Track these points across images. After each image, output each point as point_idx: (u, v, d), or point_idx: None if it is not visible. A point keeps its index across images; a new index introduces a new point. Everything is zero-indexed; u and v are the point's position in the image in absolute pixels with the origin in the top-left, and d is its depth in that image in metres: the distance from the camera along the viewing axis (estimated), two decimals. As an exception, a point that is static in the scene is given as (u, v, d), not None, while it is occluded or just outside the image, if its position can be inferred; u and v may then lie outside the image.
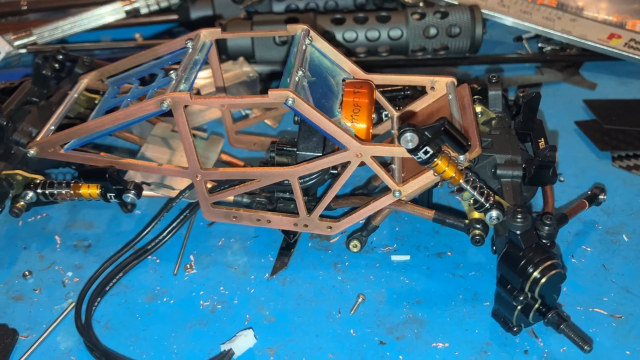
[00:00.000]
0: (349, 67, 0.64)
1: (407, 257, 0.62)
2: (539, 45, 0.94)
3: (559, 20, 0.89)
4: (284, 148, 0.61)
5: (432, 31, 0.85)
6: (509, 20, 0.90)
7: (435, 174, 0.53)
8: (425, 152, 0.50)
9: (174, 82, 0.56)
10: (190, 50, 0.61)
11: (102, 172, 0.59)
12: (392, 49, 0.86)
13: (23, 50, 0.87)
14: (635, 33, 0.88)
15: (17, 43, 0.87)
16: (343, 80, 0.62)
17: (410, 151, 0.50)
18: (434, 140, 0.49)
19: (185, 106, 0.54)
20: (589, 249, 0.63)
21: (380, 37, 0.85)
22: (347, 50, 0.85)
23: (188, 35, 0.63)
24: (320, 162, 0.56)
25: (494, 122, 0.64)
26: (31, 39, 0.88)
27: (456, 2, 0.89)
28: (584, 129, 0.78)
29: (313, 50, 0.62)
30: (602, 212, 0.66)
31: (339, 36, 0.85)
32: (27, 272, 0.61)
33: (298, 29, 0.62)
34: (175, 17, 0.95)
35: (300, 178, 0.58)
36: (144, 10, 0.92)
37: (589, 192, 0.65)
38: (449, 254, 0.63)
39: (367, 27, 0.85)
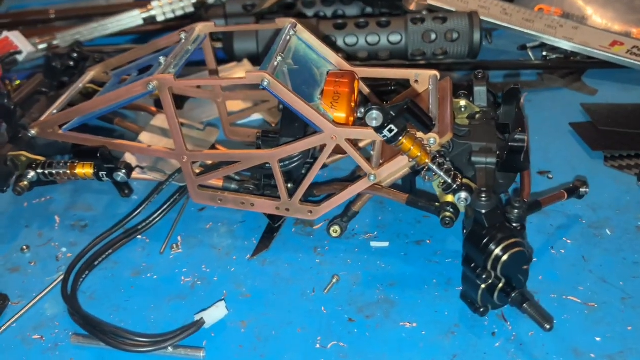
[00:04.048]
0: (335, 60, 0.66)
1: (386, 244, 0.63)
2: (544, 54, 0.95)
3: (561, 27, 0.90)
4: (269, 135, 0.64)
5: (432, 36, 0.87)
6: (511, 28, 0.92)
7: (402, 153, 0.54)
8: (390, 130, 0.52)
9: (162, 66, 0.59)
10: (184, 40, 0.65)
11: (95, 151, 0.63)
12: (392, 54, 0.88)
13: (44, 53, 0.93)
14: (638, 41, 0.88)
15: (41, 46, 0.93)
16: (328, 71, 0.65)
17: (375, 129, 0.52)
18: (398, 118, 0.51)
19: (170, 88, 0.58)
20: (569, 241, 0.63)
21: (380, 41, 0.87)
22: (348, 55, 0.88)
23: (184, 29, 0.67)
24: (298, 145, 0.59)
25: (477, 115, 0.65)
26: (54, 42, 0.94)
27: (454, 10, 0.91)
28: (578, 130, 0.78)
29: (300, 42, 0.65)
30: (587, 207, 0.66)
31: (340, 41, 0.88)
32: (24, 247, 0.65)
33: (286, 22, 0.65)
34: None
35: (281, 162, 0.60)
36: (160, 18, 0.98)
37: (571, 185, 0.65)
38: (428, 242, 0.63)
39: (367, 31, 0.87)
